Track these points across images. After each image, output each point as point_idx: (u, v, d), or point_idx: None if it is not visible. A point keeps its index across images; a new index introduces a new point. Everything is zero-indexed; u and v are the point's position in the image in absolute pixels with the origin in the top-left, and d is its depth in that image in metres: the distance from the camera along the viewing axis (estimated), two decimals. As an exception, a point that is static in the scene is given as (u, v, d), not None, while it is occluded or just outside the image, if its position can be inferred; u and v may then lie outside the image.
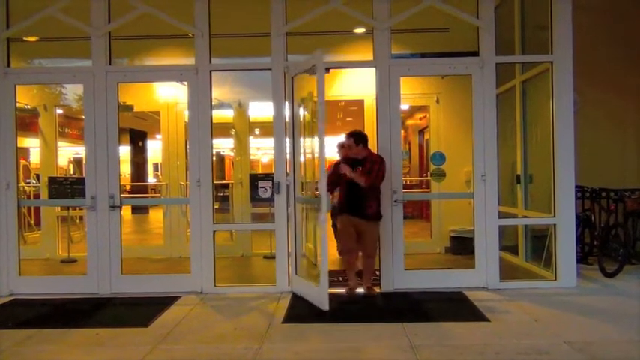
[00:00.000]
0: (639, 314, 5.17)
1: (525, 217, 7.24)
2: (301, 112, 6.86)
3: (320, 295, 5.43)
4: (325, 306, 5.34)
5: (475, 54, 6.28)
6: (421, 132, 13.54)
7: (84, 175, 6.60)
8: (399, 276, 6.23)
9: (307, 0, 6.49)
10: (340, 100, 10.46)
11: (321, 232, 5.46)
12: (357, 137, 6.06)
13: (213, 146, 6.46)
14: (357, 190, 5.87)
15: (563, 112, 6.18)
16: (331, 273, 5.71)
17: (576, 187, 6.48)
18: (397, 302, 5.77)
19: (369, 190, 5.89)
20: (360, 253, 6.14)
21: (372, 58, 6.35)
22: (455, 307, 5.56)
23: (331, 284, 5.58)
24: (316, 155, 5.86)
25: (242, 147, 9.42)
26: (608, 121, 8.01)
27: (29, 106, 9.20)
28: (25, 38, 7.32)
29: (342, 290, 6.07)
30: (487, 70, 6.21)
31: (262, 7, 6.32)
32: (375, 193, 5.96)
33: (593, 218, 7.62)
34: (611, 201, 7.55)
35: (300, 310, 5.49)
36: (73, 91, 9.43)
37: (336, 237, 6.83)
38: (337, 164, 6.20)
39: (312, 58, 5.69)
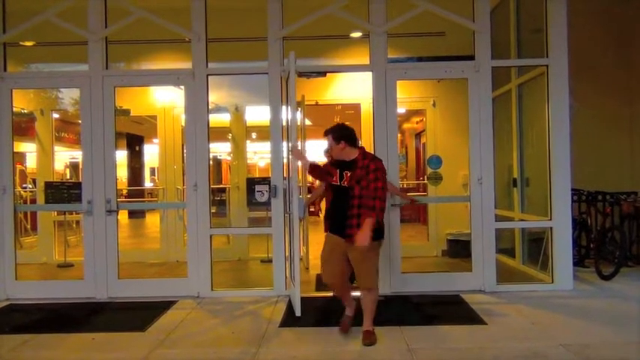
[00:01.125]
0: (636, 317, 5.18)
1: (522, 220, 7.25)
2: (298, 115, 6.89)
3: (293, 299, 5.43)
4: (298, 312, 5.33)
5: (471, 58, 6.30)
6: (418, 135, 13.56)
7: (80, 180, 6.59)
8: (396, 279, 6.23)
9: (304, 4, 6.51)
10: (337, 104, 10.46)
11: (295, 235, 5.47)
12: (336, 133, 4.69)
13: (210, 150, 6.47)
14: (344, 199, 4.51)
15: (559, 116, 6.20)
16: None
17: (572, 190, 6.50)
18: (394, 306, 5.76)
19: (362, 200, 4.43)
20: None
21: (368, 62, 6.36)
22: (452, 310, 5.57)
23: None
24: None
25: (239, 151, 9.42)
26: (604, 125, 8.03)
27: (25, 111, 9.19)
28: (21, 43, 7.33)
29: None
30: (483, 73, 6.23)
31: (259, 12, 6.33)
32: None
33: (589, 221, 7.64)
34: (607, 204, 7.58)
35: (293, 315, 5.48)
36: (69, 96, 9.44)
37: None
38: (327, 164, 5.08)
39: (287, 63, 5.70)
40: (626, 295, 6.02)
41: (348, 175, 4.55)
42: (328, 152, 5.06)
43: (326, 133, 4.77)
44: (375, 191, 4.37)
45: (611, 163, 7.99)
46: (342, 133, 4.66)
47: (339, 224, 4.56)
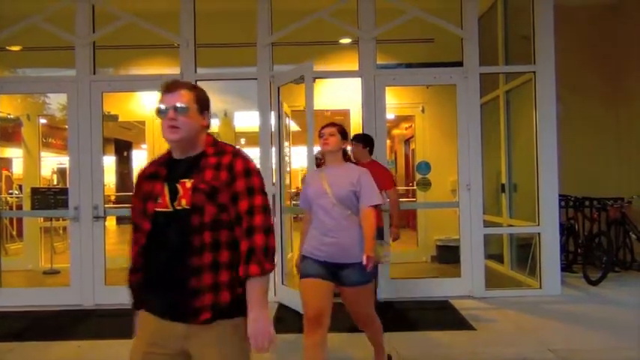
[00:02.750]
0: (624, 321, 5.21)
1: (510, 225, 7.28)
2: (287, 121, 6.87)
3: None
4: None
5: (459, 64, 6.34)
6: (407, 141, 13.60)
7: (67, 186, 6.53)
8: (384, 285, 6.22)
9: (293, 10, 6.52)
10: (326, 110, 10.46)
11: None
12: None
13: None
14: None
15: (547, 122, 6.25)
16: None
17: (560, 195, 6.54)
18: (383, 312, 5.71)
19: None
20: None
21: (357, 68, 6.37)
22: (441, 316, 5.57)
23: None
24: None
25: (228, 157, 9.37)
26: (591, 131, 8.10)
27: (12, 116, 9.09)
28: (8, 47, 7.27)
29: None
30: (471, 80, 6.27)
31: (248, 18, 6.34)
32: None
33: (577, 227, 7.69)
34: (595, 209, 7.63)
35: (287, 321, 5.45)
36: (56, 101, 9.36)
37: None
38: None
39: (299, 69, 5.70)
40: (613, 300, 6.06)
41: None
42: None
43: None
44: None
45: (599, 168, 8.05)
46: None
47: None
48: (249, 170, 2.10)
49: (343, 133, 3.85)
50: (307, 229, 3.67)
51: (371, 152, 5.49)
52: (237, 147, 2.20)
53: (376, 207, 3.64)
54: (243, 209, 2.04)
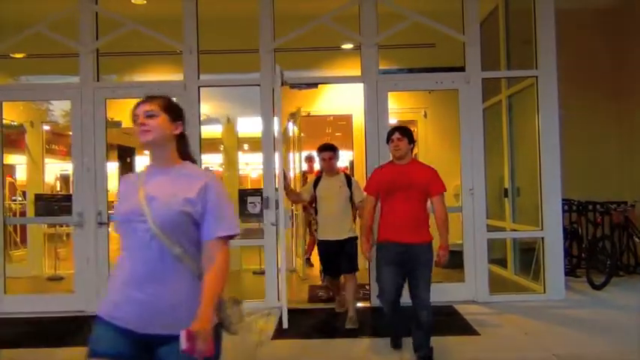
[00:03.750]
0: (628, 326, 5.19)
1: (514, 230, 7.27)
2: (290, 126, 6.90)
3: (281, 312, 5.38)
4: (285, 324, 5.30)
5: (461, 69, 6.35)
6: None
7: (71, 192, 6.55)
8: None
9: (296, 17, 6.54)
10: (329, 115, 10.50)
11: (280, 248, 5.45)
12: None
13: (202, 162, 6.45)
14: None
15: (549, 126, 6.25)
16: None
17: (563, 200, 6.53)
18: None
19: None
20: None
21: (359, 74, 6.39)
22: (445, 321, 5.54)
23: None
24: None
25: (231, 162, 9.40)
26: (594, 134, 8.09)
27: (15, 123, 9.13)
28: (12, 55, 7.30)
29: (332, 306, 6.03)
30: (473, 85, 6.28)
31: (251, 24, 6.35)
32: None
33: (580, 231, 7.68)
34: (598, 214, 7.62)
35: (290, 326, 5.45)
36: (60, 108, 9.38)
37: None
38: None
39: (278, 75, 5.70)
40: (617, 304, 6.04)
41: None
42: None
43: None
44: None
45: (602, 172, 8.04)
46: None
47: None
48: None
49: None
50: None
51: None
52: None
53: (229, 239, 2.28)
54: None
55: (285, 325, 5.28)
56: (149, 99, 2.35)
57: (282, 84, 5.79)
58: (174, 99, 2.47)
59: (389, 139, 4.48)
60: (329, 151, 5.64)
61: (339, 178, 5.62)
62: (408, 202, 4.32)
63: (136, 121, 2.30)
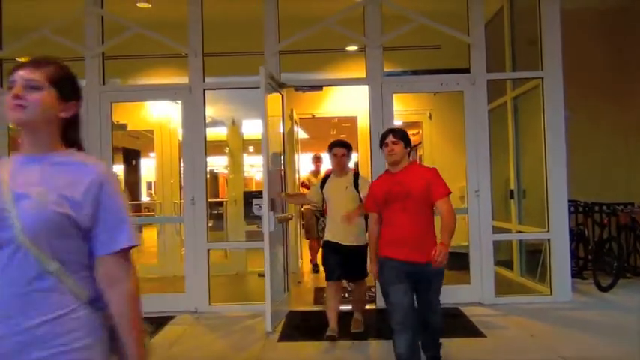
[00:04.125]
0: (635, 328, 5.15)
1: (520, 232, 7.25)
2: (295, 129, 6.91)
3: (265, 314, 5.34)
4: (269, 327, 5.25)
5: (466, 71, 6.34)
6: (414, 148, 13.60)
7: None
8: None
9: (300, 19, 6.56)
10: (334, 117, 10.51)
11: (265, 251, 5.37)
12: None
13: (207, 164, 6.47)
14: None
15: (555, 127, 6.23)
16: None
17: (569, 201, 6.51)
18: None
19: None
20: None
21: (364, 76, 6.39)
22: (451, 322, 5.51)
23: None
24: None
25: (236, 164, 9.42)
26: (600, 136, 8.05)
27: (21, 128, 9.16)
28: (18, 59, 7.34)
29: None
30: (478, 86, 6.27)
31: (255, 26, 6.38)
32: None
33: (586, 232, 7.64)
34: (604, 215, 7.59)
35: (296, 328, 5.46)
36: (66, 111, 9.41)
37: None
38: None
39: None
40: (624, 306, 6.00)
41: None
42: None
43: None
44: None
45: (608, 173, 8.01)
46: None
47: None
48: None
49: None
50: None
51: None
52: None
53: None
54: None
55: (269, 329, 5.22)
56: (35, 64, 1.71)
57: (281, 86, 5.77)
58: (72, 71, 1.84)
59: (382, 144, 4.08)
60: (342, 147, 5.20)
61: (348, 178, 5.19)
62: (406, 213, 3.83)
63: (11, 90, 1.64)
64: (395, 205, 3.87)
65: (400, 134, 4.05)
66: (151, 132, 9.48)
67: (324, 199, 5.31)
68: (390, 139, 4.00)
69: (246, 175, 13.29)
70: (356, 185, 5.12)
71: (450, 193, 3.95)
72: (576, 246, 7.48)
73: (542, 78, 6.30)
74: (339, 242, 5.04)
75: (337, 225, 5.02)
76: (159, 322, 5.74)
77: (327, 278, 5.17)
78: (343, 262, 5.01)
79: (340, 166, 5.20)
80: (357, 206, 4.97)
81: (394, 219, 3.89)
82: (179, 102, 6.49)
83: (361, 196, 5.01)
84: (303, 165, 9.66)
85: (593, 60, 7.98)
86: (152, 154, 10.61)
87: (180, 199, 8.14)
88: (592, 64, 7.96)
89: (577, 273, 7.28)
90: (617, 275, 6.60)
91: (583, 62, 7.67)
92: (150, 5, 6.98)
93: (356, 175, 5.29)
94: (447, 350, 4.65)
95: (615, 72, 8.10)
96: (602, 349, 4.64)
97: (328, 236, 5.19)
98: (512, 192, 7.36)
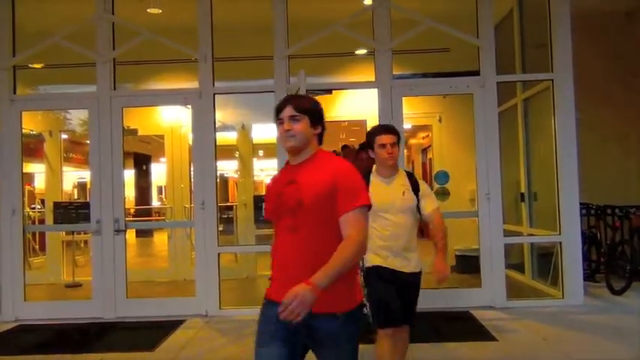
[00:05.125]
0: (648, 332, 5.13)
1: (531, 235, 7.20)
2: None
3: None
4: None
5: (476, 73, 6.32)
6: (424, 151, 13.57)
7: (89, 200, 6.62)
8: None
9: (309, 23, 6.58)
10: (343, 121, 10.51)
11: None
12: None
13: (217, 168, 6.50)
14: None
15: (566, 129, 6.19)
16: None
17: (581, 204, 6.46)
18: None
19: None
20: None
21: (374, 79, 6.39)
22: (462, 326, 5.52)
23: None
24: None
25: (246, 168, 9.45)
26: (611, 137, 8.00)
27: (34, 132, 9.27)
28: (30, 65, 7.42)
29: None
30: (488, 89, 6.25)
31: (265, 31, 6.40)
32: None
33: (599, 235, 7.57)
34: (617, 218, 7.52)
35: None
36: (77, 116, 9.52)
37: None
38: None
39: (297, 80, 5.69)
40: (637, 309, 5.94)
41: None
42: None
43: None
44: None
45: (620, 176, 7.94)
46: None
47: None
48: None
49: None
50: None
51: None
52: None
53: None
54: None
55: None
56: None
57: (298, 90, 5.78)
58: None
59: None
60: (390, 133, 3.63)
61: (401, 179, 3.69)
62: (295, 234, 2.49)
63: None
64: (283, 221, 2.51)
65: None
66: (162, 137, 9.54)
67: None
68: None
69: (256, 178, 13.30)
70: (415, 190, 3.70)
71: (365, 204, 2.39)
72: (588, 249, 7.41)
73: (553, 80, 6.27)
74: (397, 269, 3.65)
75: (390, 244, 3.63)
76: (169, 326, 5.76)
77: (385, 324, 3.53)
78: (402, 298, 3.63)
79: (393, 160, 3.61)
80: (437, 232, 3.85)
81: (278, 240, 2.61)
82: (189, 107, 6.52)
83: (421, 206, 3.72)
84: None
85: (605, 62, 7.93)
86: (163, 159, 10.68)
87: (191, 204, 8.18)
88: (604, 66, 7.90)
89: (589, 276, 7.22)
90: (630, 278, 6.54)
91: (595, 64, 7.63)
92: (160, 11, 7.03)
93: (410, 175, 3.81)
94: (458, 354, 4.64)
95: (626, 74, 8.04)
96: (614, 352, 4.60)
97: (377, 260, 3.62)
98: (522, 195, 7.32)
